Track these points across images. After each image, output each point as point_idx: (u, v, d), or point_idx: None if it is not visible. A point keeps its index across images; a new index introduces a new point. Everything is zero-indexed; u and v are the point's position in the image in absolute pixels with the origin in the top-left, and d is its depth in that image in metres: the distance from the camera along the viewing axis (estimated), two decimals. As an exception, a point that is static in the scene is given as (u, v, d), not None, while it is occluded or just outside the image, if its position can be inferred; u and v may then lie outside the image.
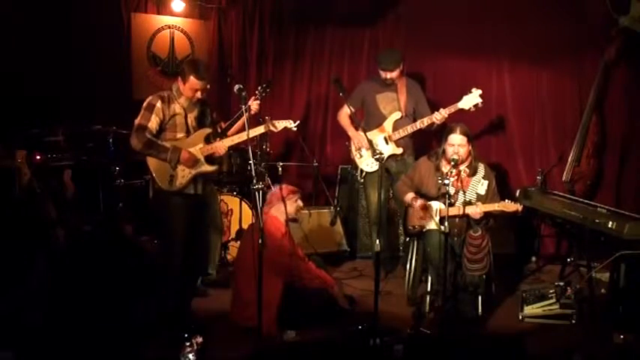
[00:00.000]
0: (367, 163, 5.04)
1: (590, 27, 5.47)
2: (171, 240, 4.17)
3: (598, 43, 5.44)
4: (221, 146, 4.19)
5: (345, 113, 5.13)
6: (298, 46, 6.32)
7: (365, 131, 4.72)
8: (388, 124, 5.02)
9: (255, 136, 5.21)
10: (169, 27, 6.05)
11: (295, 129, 4.45)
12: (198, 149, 4.13)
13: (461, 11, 5.79)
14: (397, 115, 5.02)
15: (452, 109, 4.81)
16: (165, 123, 4.05)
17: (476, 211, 4.11)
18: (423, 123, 4.89)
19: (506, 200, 4.13)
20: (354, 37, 6.26)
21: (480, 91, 4.77)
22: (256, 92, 4.49)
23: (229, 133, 4.64)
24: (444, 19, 5.85)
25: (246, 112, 3.74)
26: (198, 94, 4.07)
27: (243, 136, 4.25)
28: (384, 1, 6.08)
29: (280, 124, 4.38)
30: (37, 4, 5.45)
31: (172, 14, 6.06)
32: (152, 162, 4.06)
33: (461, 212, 4.13)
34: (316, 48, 6.32)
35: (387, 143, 5.01)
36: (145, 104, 4.07)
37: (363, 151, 5.04)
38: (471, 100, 4.78)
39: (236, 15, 6.21)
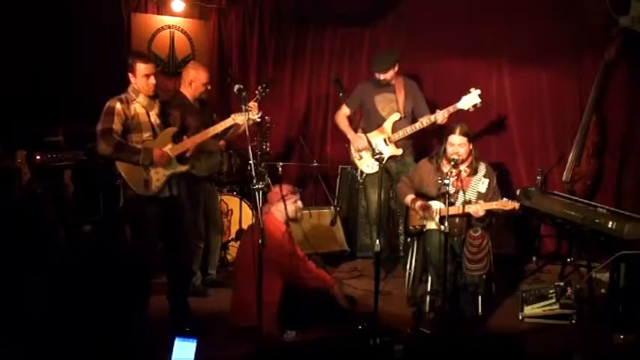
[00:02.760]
0: (367, 165, 5.04)
1: (590, 27, 5.47)
2: (147, 245, 4.00)
3: (598, 43, 5.43)
4: (191, 143, 4.01)
5: (343, 114, 5.14)
6: (298, 46, 6.32)
7: (365, 132, 4.72)
8: (387, 126, 5.01)
9: (256, 137, 5.21)
10: (169, 27, 6.04)
11: (259, 120, 4.26)
12: (168, 149, 3.93)
13: (461, 11, 5.79)
14: (396, 116, 5.01)
15: (451, 109, 4.81)
16: (128, 124, 3.84)
17: (477, 209, 4.11)
18: (422, 124, 4.89)
19: (504, 199, 4.14)
20: (354, 37, 6.26)
21: (478, 91, 4.77)
22: (256, 92, 4.48)
23: (229, 133, 4.65)
24: (444, 19, 5.84)
25: (246, 112, 3.72)
26: (152, 80, 3.85)
27: (210, 132, 4.13)
28: (384, 1, 6.08)
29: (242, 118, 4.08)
30: (37, 5, 5.44)
31: (172, 14, 6.04)
32: (122, 167, 3.84)
33: (461, 211, 4.14)
34: (316, 48, 6.32)
35: (386, 144, 5.01)
36: (104, 110, 3.82)
37: (363, 153, 5.04)
38: (470, 100, 4.78)
39: (236, 15, 6.20)
